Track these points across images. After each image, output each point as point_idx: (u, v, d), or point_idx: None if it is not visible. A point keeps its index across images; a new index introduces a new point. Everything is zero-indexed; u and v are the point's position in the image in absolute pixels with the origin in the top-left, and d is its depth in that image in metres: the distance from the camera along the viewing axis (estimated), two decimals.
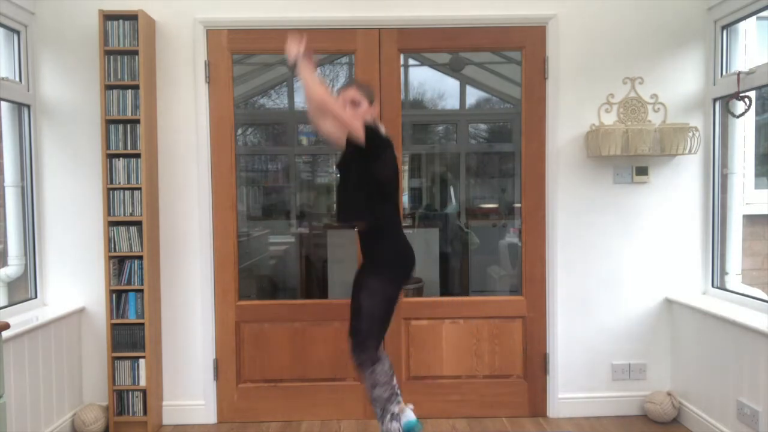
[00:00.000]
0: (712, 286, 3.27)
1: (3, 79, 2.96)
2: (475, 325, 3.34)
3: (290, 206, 5.66)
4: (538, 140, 3.29)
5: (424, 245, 4.80)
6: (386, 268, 2.66)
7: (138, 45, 3.02)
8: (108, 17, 3.03)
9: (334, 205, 2.69)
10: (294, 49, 2.56)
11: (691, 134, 3.10)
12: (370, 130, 2.54)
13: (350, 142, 2.57)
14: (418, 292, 4.29)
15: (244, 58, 3.82)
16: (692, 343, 3.13)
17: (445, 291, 4.80)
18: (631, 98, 3.25)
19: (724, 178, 3.27)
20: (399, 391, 2.85)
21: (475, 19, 3.23)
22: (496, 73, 4.90)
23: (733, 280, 3.26)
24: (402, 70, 3.31)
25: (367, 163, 2.57)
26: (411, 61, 4.96)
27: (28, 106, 3.16)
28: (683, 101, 3.27)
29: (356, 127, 2.51)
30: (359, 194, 2.62)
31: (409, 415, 2.79)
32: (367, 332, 2.61)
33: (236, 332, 3.31)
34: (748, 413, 2.68)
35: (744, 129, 3.60)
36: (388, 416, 2.62)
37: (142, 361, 3.11)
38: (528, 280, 3.34)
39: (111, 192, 3.08)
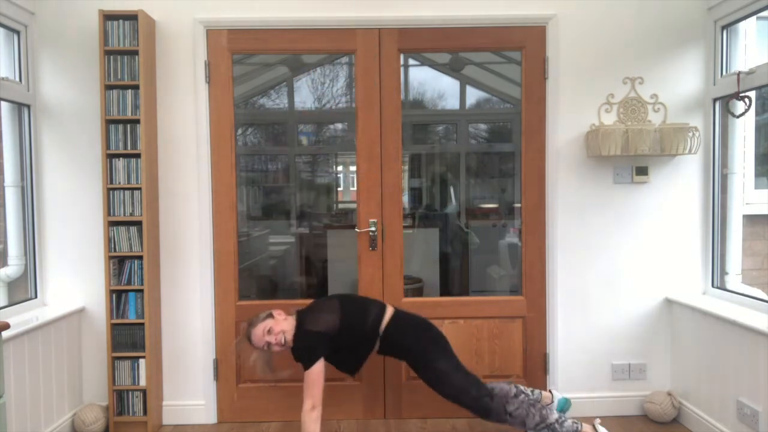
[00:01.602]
0: (712, 286, 3.27)
1: (3, 79, 2.96)
2: (475, 325, 3.34)
3: (290, 206, 5.65)
4: (538, 140, 3.29)
5: (424, 245, 4.80)
6: (429, 348, 2.77)
7: (138, 45, 3.02)
8: (108, 17, 3.03)
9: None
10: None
11: (691, 134, 3.11)
12: (308, 362, 2.68)
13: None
14: (418, 292, 4.29)
15: (244, 58, 3.82)
16: (692, 343, 3.13)
17: (445, 291, 4.80)
18: (631, 98, 3.25)
19: (724, 178, 3.27)
20: (537, 393, 3.02)
21: (475, 19, 3.23)
22: (496, 73, 4.89)
23: (733, 280, 3.26)
24: (402, 70, 3.31)
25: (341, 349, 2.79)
26: (411, 61, 4.96)
27: (28, 106, 3.16)
28: (683, 101, 3.27)
29: (313, 382, 2.67)
30: (363, 355, 2.82)
31: (555, 393, 3.06)
32: (473, 400, 2.70)
33: (236, 332, 3.31)
34: (748, 413, 2.68)
35: (744, 129, 3.60)
36: (557, 425, 2.71)
37: (142, 361, 3.11)
38: (528, 280, 3.34)
39: (111, 192, 3.08)
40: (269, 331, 2.73)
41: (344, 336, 2.74)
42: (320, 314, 2.77)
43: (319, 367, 2.66)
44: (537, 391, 3.03)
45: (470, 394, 2.71)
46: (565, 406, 3.06)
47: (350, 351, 2.80)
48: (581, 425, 2.77)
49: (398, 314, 2.86)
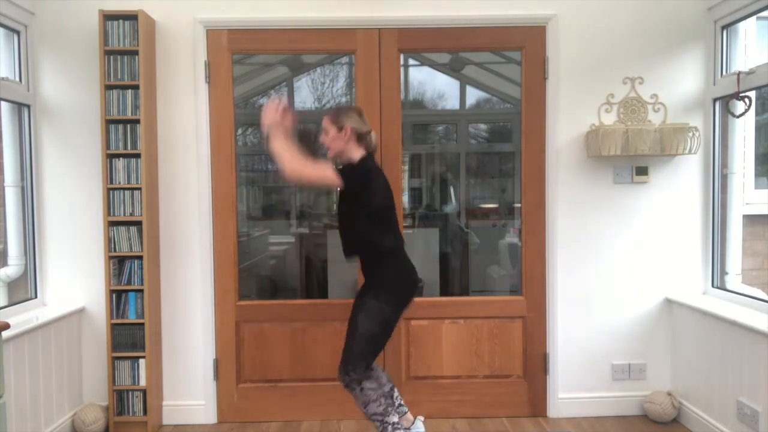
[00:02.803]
0: (712, 286, 3.27)
1: (3, 79, 2.96)
2: (475, 325, 3.34)
3: (290, 206, 5.65)
4: (538, 140, 3.29)
5: (424, 245, 4.80)
6: (387, 292, 2.67)
7: (138, 45, 3.02)
8: (108, 17, 3.03)
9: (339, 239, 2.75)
10: (269, 116, 2.61)
11: (691, 134, 3.11)
12: (344, 172, 2.58)
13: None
14: (418, 292, 4.29)
15: (244, 58, 3.82)
16: (692, 343, 3.13)
17: (445, 291, 4.79)
18: (631, 98, 3.25)
19: (724, 178, 3.27)
20: (401, 401, 2.87)
21: (475, 19, 3.23)
22: (496, 73, 4.89)
23: (733, 280, 3.26)
24: (402, 70, 3.31)
25: (353, 199, 2.64)
26: (411, 61, 4.96)
27: (28, 106, 3.16)
28: (683, 101, 3.27)
29: (328, 177, 2.55)
30: (356, 230, 2.69)
31: (418, 427, 2.85)
32: (359, 353, 2.61)
33: (236, 332, 3.31)
34: (748, 413, 2.68)
35: (744, 129, 3.61)
36: (390, 427, 2.62)
37: (142, 361, 3.11)
38: (528, 279, 3.34)
39: (111, 192, 3.08)
40: (325, 134, 2.67)
41: (378, 210, 2.67)
42: (381, 185, 2.70)
43: (332, 174, 2.54)
44: (405, 408, 2.87)
45: (364, 347, 2.60)
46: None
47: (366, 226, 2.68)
48: None
49: (405, 256, 2.80)
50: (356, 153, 2.68)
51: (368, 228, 2.67)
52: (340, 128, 2.66)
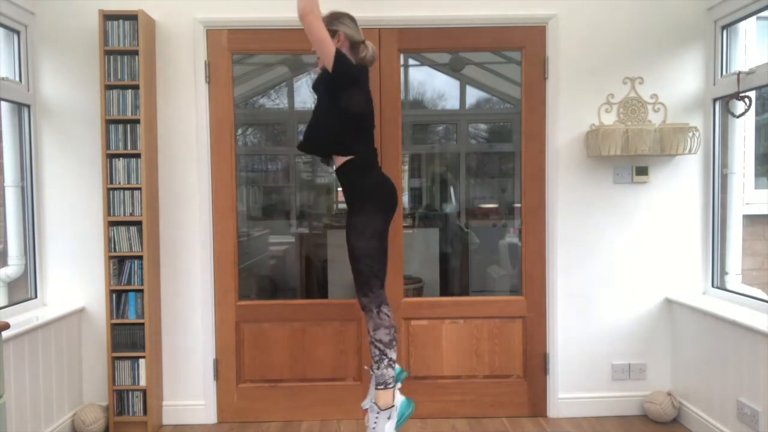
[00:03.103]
0: (712, 286, 3.27)
1: (3, 79, 2.96)
2: (475, 325, 3.34)
3: (290, 206, 5.66)
4: (538, 140, 3.29)
5: (424, 245, 4.80)
6: (368, 202, 2.60)
7: (138, 45, 3.02)
8: (108, 17, 3.03)
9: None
10: None
11: (691, 134, 3.11)
12: (340, 55, 2.48)
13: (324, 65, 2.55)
14: (418, 292, 4.30)
15: (244, 58, 3.82)
16: (692, 343, 3.13)
17: (445, 291, 4.80)
18: (631, 98, 3.25)
19: (724, 178, 3.27)
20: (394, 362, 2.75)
21: (475, 19, 3.23)
22: (496, 73, 4.90)
23: (733, 280, 3.26)
24: (402, 70, 3.31)
25: (334, 91, 2.54)
26: (411, 61, 4.96)
27: (28, 106, 3.16)
28: (683, 101, 3.27)
29: (327, 45, 2.45)
30: (325, 123, 2.59)
31: (398, 397, 2.71)
32: (368, 272, 2.57)
33: (236, 332, 3.31)
34: (748, 413, 2.68)
35: (744, 129, 3.60)
36: (386, 361, 2.58)
37: (142, 361, 3.11)
38: (528, 279, 3.34)
39: (111, 192, 3.08)
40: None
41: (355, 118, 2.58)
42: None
43: (332, 45, 2.46)
44: (399, 368, 2.74)
45: (373, 266, 2.55)
46: (406, 409, 2.74)
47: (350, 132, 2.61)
48: (394, 385, 2.62)
49: (380, 170, 2.74)
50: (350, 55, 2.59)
51: (339, 128, 2.57)
52: (333, 34, 2.56)
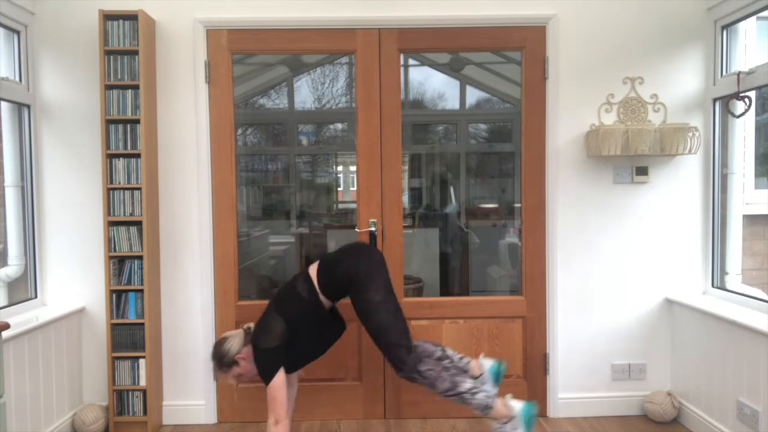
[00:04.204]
0: (712, 286, 3.27)
1: (3, 79, 2.96)
2: (475, 325, 3.34)
3: (290, 206, 5.65)
4: (538, 140, 3.29)
5: (424, 245, 4.80)
6: (351, 287, 2.69)
7: (138, 45, 3.02)
8: (108, 17, 3.03)
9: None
10: None
11: (691, 134, 3.11)
12: (269, 377, 2.63)
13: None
14: (418, 292, 4.29)
15: (244, 58, 3.82)
16: (692, 343, 3.13)
17: (445, 291, 4.80)
18: (631, 98, 3.25)
19: (724, 178, 3.27)
20: (460, 356, 2.81)
21: (475, 19, 3.23)
22: (496, 73, 4.89)
23: (733, 280, 3.26)
24: (402, 70, 3.31)
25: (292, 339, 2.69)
26: (411, 61, 4.96)
27: (28, 106, 3.16)
28: (683, 101, 3.27)
29: (279, 400, 2.61)
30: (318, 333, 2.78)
31: (484, 362, 2.79)
32: (393, 345, 2.62)
33: None
34: (748, 413, 2.68)
35: (744, 129, 3.61)
36: (467, 395, 2.60)
37: (142, 361, 3.11)
38: (528, 280, 3.34)
39: (111, 192, 3.08)
40: (240, 376, 2.73)
41: (299, 328, 2.68)
42: (268, 330, 2.68)
43: (279, 381, 2.61)
44: (466, 360, 2.80)
45: (390, 338, 2.62)
46: (498, 370, 2.77)
47: (312, 333, 2.73)
48: (495, 400, 2.63)
49: (323, 262, 2.78)
50: (251, 362, 2.70)
51: (316, 314, 2.72)
52: (235, 363, 2.69)
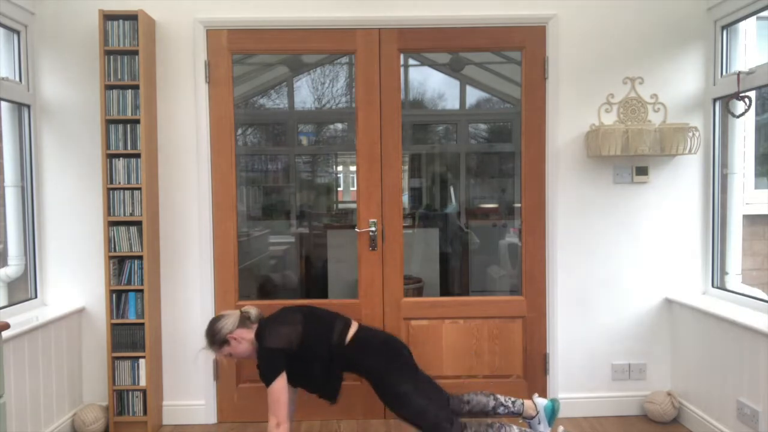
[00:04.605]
0: (712, 286, 3.27)
1: (3, 79, 2.96)
2: (475, 325, 3.34)
3: (290, 206, 5.65)
4: (538, 140, 3.29)
5: (424, 245, 4.80)
6: (385, 376, 2.67)
7: (138, 45, 3.02)
8: (108, 17, 3.03)
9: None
10: None
11: (691, 134, 3.11)
12: (262, 370, 2.64)
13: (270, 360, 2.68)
14: (418, 292, 4.29)
15: (244, 58, 3.82)
16: (692, 343, 3.13)
17: (445, 291, 4.80)
18: (631, 98, 3.25)
19: (724, 178, 3.27)
20: (512, 400, 2.84)
21: (475, 19, 3.23)
22: (496, 73, 4.89)
23: (733, 280, 3.26)
24: (402, 70, 3.31)
25: (294, 365, 2.66)
26: (411, 61, 4.96)
27: (28, 106, 3.16)
28: (683, 101, 3.27)
29: (280, 402, 2.59)
30: (322, 372, 2.71)
31: (539, 401, 2.84)
32: (432, 426, 2.62)
33: None
34: (748, 413, 2.68)
35: (744, 129, 3.60)
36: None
37: (142, 361, 3.11)
38: (528, 280, 3.34)
39: (111, 192, 3.08)
40: (230, 355, 2.75)
41: (307, 352, 2.66)
42: (281, 328, 2.68)
43: (280, 384, 2.59)
44: (519, 402, 2.83)
45: (428, 419, 2.62)
46: (553, 407, 2.84)
47: (315, 369, 2.69)
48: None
49: (362, 331, 2.78)
50: (251, 335, 2.71)
51: (322, 363, 2.68)
52: (227, 342, 2.70)
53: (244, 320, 2.74)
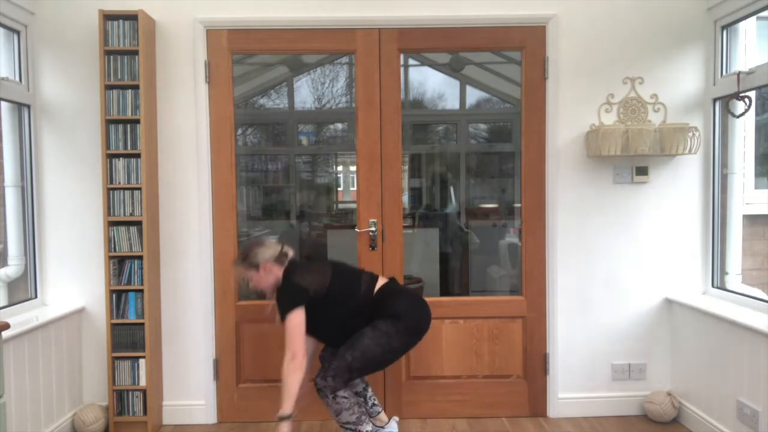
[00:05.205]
0: (712, 286, 3.27)
1: (3, 79, 2.96)
2: (475, 325, 3.34)
3: (290, 206, 5.65)
4: (538, 140, 3.29)
5: (424, 245, 4.80)
6: (402, 321, 2.67)
7: (138, 45, 3.02)
8: (108, 17, 3.03)
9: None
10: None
11: (691, 134, 3.11)
12: (281, 304, 2.62)
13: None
14: (418, 292, 4.29)
15: (244, 58, 3.82)
16: (692, 343, 3.13)
17: (445, 291, 4.80)
18: (631, 98, 3.25)
19: (724, 178, 3.27)
20: (374, 401, 2.93)
21: (475, 19, 3.23)
22: (496, 73, 4.89)
23: (733, 280, 3.26)
24: (402, 70, 3.31)
25: (311, 307, 2.64)
26: (411, 61, 4.96)
27: (28, 106, 3.16)
28: (683, 101, 3.27)
29: (296, 341, 2.58)
30: (335, 323, 2.70)
31: (392, 426, 2.89)
32: (349, 365, 2.61)
33: (236, 332, 3.31)
34: (748, 413, 2.68)
35: (744, 129, 3.60)
36: None
37: (142, 361, 3.11)
38: (528, 280, 3.34)
39: (111, 192, 3.08)
40: (251, 281, 2.75)
41: (330, 301, 2.66)
42: (311, 271, 2.71)
43: (298, 318, 2.57)
44: (379, 408, 2.94)
45: (354, 363, 2.61)
46: None
47: (333, 319, 2.70)
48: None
49: (392, 282, 2.81)
50: (279, 272, 2.71)
51: (340, 313, 2.68)
52: (257, 267, 2.70)
53: (281, 256, 2.73)
